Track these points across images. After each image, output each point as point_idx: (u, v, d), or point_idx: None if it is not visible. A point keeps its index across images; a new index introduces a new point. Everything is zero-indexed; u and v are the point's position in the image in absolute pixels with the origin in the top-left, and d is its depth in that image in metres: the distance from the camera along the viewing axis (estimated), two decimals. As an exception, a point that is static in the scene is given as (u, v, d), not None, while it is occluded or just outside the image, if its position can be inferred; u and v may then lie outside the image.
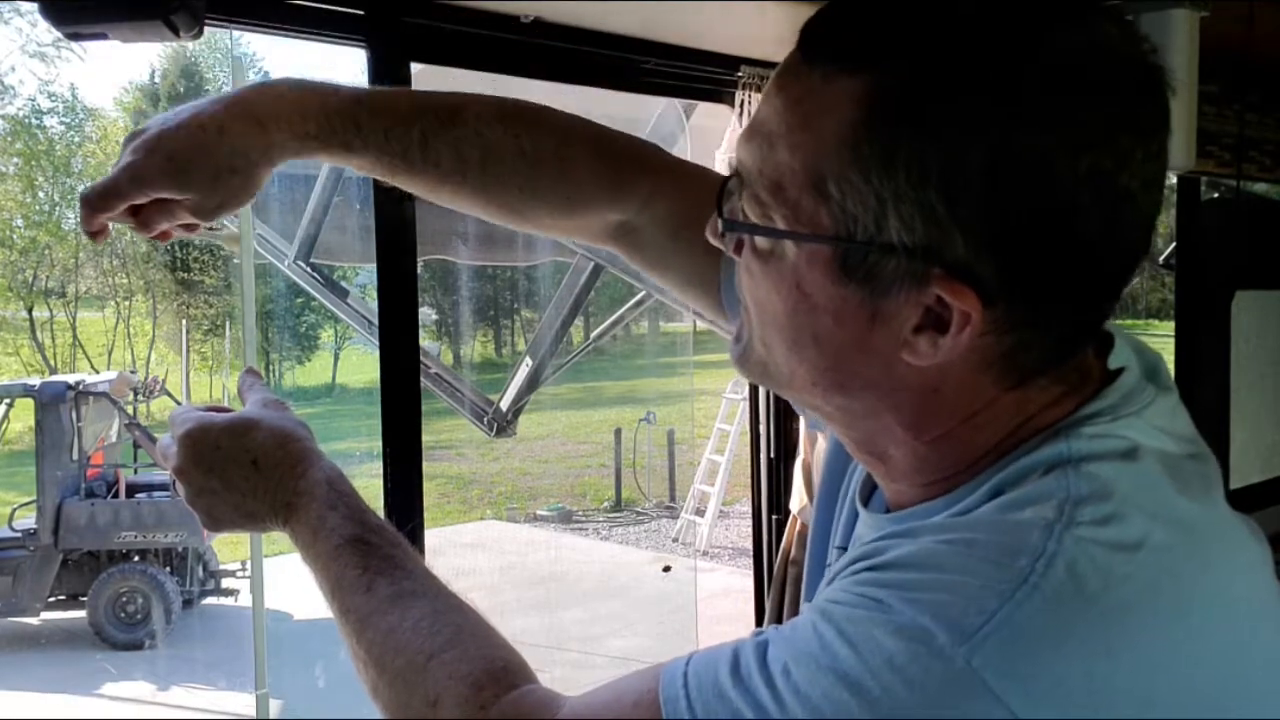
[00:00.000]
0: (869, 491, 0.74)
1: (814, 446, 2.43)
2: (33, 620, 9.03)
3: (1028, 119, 0.55)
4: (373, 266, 1.71)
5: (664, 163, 0.95)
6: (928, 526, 0.60)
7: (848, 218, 0.59)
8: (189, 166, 0.79)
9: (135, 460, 9.91)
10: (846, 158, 0.58)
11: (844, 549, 0.77)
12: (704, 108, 2.98)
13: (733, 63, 2.35)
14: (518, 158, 0.88)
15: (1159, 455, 0.60)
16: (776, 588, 2.58)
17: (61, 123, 18.99)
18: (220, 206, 0.82)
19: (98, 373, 13.17)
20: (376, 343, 1.79)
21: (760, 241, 0.64)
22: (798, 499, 2.57)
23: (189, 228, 0.84)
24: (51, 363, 18.09)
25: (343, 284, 4.30)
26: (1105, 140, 0.56)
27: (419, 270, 1.82)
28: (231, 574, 9.57)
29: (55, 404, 8.95)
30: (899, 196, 0.57)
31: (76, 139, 19.18)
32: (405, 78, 1.73)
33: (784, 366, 0.66)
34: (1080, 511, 0.55)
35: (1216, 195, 3.44)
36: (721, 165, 2.52)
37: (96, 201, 0.79)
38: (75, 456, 9.00)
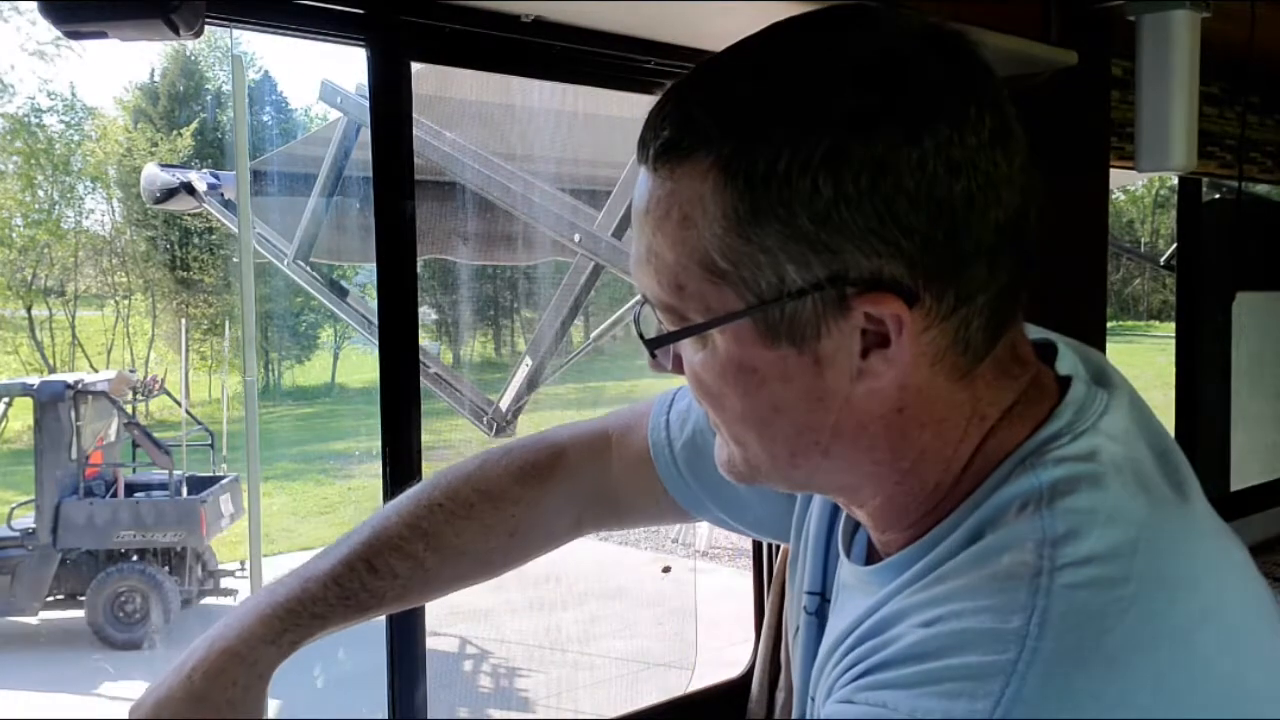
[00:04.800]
0: (850, 537, 0.74)
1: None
2: (31, 620, 9.04)
3: (852, 125, 0.57)
4: (373, 266, 1.70)
5: (566, 434, 1.00)
6: (912, 606, 0.59)
7: (749, 285, 0.60)
8: None
9: (134, 459, 9.91)
10: (720, 231, 0.60)
11: (813, 594, 0.78)
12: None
13: (733, 63, 2.33)
14: (454, 521, 0.93)
15: (1125, 465, 0.61)
16: (776, 588, 2.57)
17: (61, 121, 19.02)
18: None
19: (97, 372, 13.17)
20: (376, 342, 1.79)
21: (690, 345, 0.65)
22: (798, 500, 2.57)
23: None
24: (50, 362, 18.10)
25: (342, 283, 4.30)
26: (933, 113, 0.58)
27: (419, 269, 1.81)
28: (230, 574, 9.57)
29: (54, 403, 8.96)
30: (781, 243, 0.59)
31: (76, 137, 19.19)
32: (405, 77, 1.72)
33: (763, 453, 0.67)
34: (1060, 553, 0.55)
35: (1218, 196, 3.43)
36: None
37: None
38: (74, 455, 9.01)
